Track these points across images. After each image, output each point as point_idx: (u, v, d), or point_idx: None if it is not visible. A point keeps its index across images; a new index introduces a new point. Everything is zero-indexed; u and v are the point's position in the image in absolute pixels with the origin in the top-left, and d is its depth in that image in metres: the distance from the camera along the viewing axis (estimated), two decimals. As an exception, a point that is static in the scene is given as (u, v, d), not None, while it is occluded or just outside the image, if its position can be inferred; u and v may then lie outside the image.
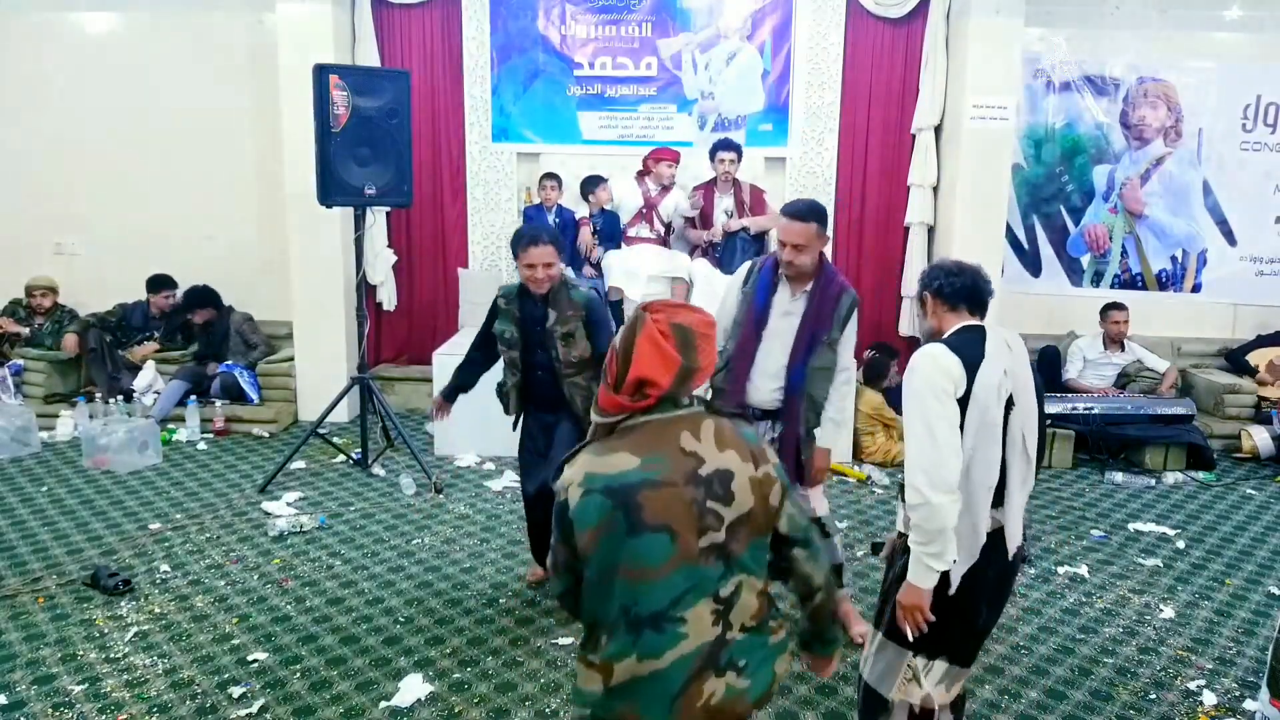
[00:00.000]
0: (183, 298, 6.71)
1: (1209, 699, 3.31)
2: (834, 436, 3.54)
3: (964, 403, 2.26)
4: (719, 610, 1.79)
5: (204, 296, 6.65)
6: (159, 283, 6.80)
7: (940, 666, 2.42)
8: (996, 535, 2.35)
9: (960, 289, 2.42)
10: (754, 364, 3.46)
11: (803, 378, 3.40)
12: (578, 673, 1.87)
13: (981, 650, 2.46)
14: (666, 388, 1.79)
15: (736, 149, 6.08)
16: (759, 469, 1.84)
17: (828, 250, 6.71)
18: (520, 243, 3.55)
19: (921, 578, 2.29)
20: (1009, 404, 2.28)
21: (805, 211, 3.38)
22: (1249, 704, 3.25)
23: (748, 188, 6.15)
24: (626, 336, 1.83)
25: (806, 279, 3.43)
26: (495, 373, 3.97)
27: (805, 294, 3.43)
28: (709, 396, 3.52)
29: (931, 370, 2.29)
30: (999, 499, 2.32)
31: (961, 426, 2.26)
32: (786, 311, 3.44)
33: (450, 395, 4.07)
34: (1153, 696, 3.32)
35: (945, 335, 2.40)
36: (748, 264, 3.61)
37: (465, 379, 4.05)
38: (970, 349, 2.31)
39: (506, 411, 3.91)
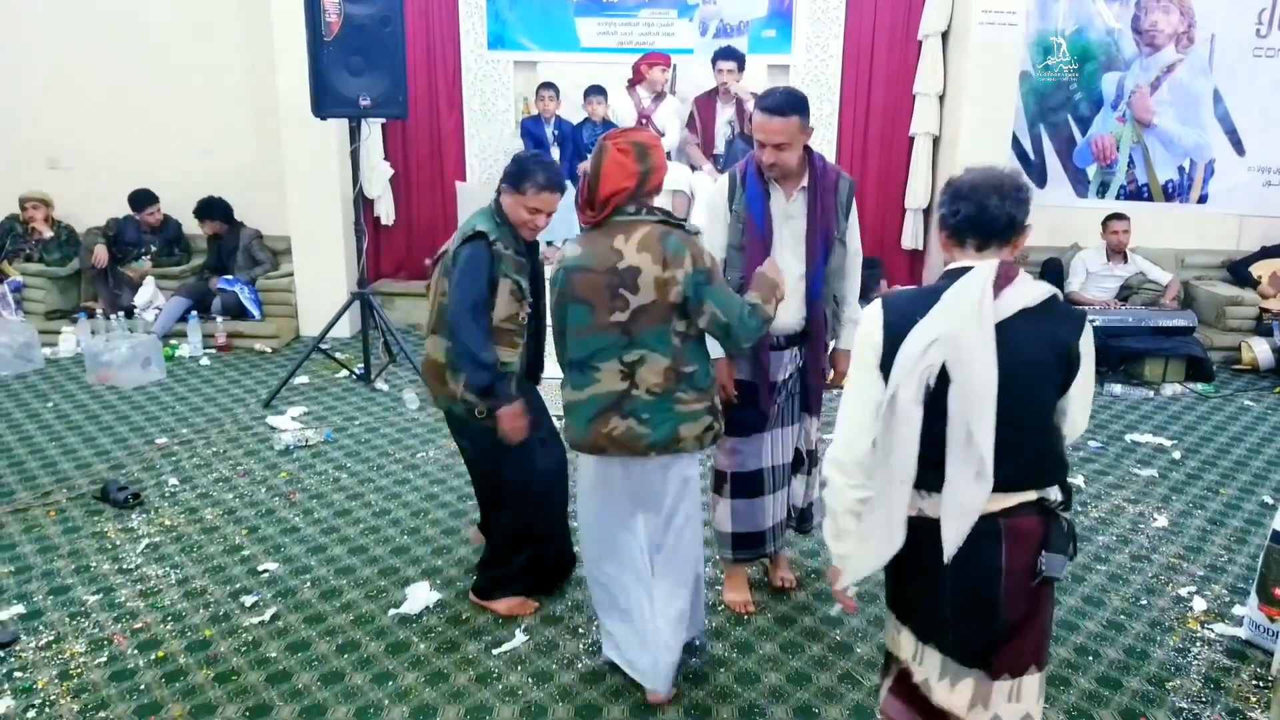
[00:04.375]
0: (195, 208, 6.57)
1: (1199, 605, 3.38)
2: (854, 336, 3.13)
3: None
4: (624, 371, 2.50)
5: (213, 208, 6.55)
6: (142, 199, 6.67)
7: (933, 654, 1.99)
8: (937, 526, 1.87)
9: (962, 220, 1.89)
10: None
11: (823, 282, 3.07)
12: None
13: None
14: (631, 190, 2.43)
15: (739, 58, 5.89)
16: (666, 271, 2.44)
17: (830, 157, 6.75)
18: (533, 180, 2.87)
19: (833, 556, 2.01)
20: (944, 380, 1.80)
21: (784, 104, 2.89)
22: (1238, 609, 3.32)
23: (750, 97, 6.03)
24: (595, 164, 2.45)
25: (798, 177, 3.02)
26: None
27: (803, 191, 3.02)
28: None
29: (859, 332, 1.97)
30: (933, 484, 1.85)
31: None
32: (788, 215, 3.03)
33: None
34: (1144, 602, 3.40)
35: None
36: (724, 177, 3.12)
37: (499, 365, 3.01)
38: (914, 306, 1.87)
39: (498, 395, 2.88)
